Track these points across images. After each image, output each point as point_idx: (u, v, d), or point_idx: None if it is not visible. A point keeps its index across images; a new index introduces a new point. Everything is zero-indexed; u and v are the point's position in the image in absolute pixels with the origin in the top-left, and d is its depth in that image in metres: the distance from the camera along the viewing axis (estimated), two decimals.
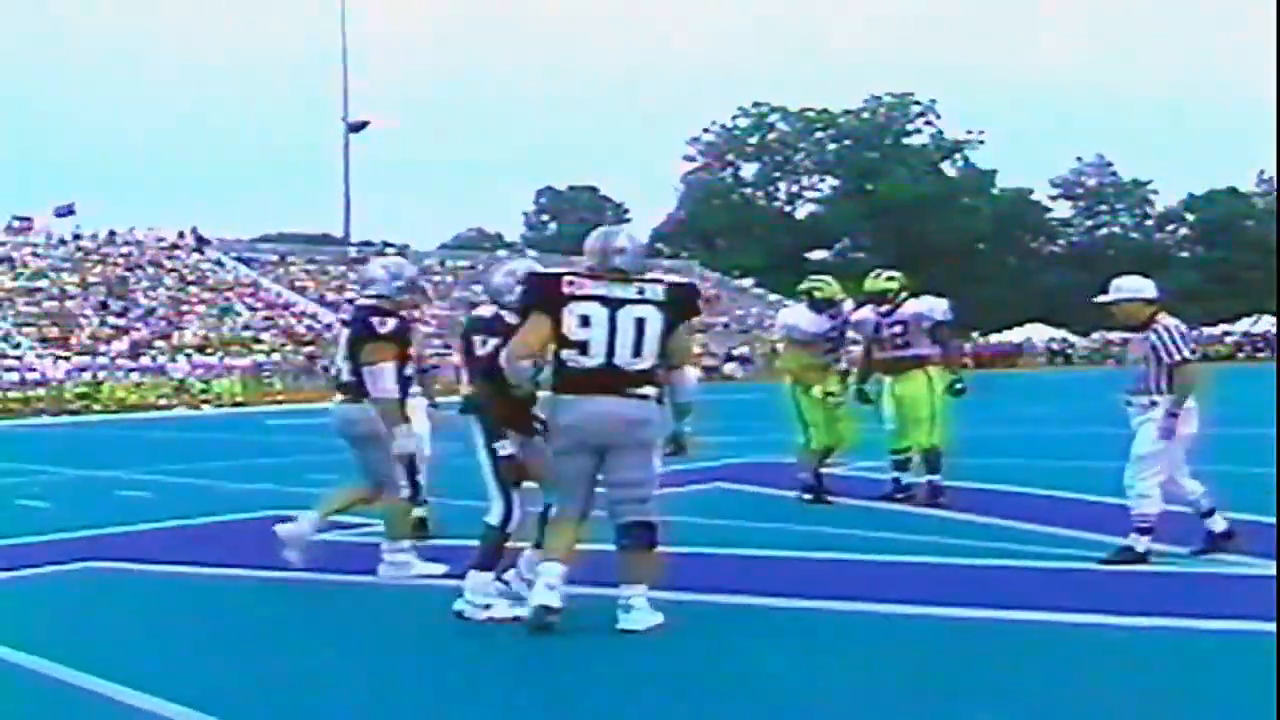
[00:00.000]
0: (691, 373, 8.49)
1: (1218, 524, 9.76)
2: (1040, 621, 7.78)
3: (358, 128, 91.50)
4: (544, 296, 7.94)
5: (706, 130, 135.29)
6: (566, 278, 8.04)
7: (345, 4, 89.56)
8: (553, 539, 8.10)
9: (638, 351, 7.93)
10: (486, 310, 8.85)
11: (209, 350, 63.37)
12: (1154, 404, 9.57)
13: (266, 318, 71.43)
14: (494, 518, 8.51)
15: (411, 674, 7.21)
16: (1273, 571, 8.83)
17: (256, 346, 65.25)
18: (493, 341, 8.47)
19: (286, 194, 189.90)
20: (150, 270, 75.84)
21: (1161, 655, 7.05)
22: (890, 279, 14.71)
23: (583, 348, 7.87)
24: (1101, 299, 10.01)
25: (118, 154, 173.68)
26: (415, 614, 8.85)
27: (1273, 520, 10.45)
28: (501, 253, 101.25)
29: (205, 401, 52.96)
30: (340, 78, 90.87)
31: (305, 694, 6.82)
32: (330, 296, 76.83)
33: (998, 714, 6.09)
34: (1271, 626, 7.21)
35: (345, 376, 10.11)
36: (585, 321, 7.88)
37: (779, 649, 7.37)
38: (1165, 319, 9.72)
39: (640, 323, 7.94)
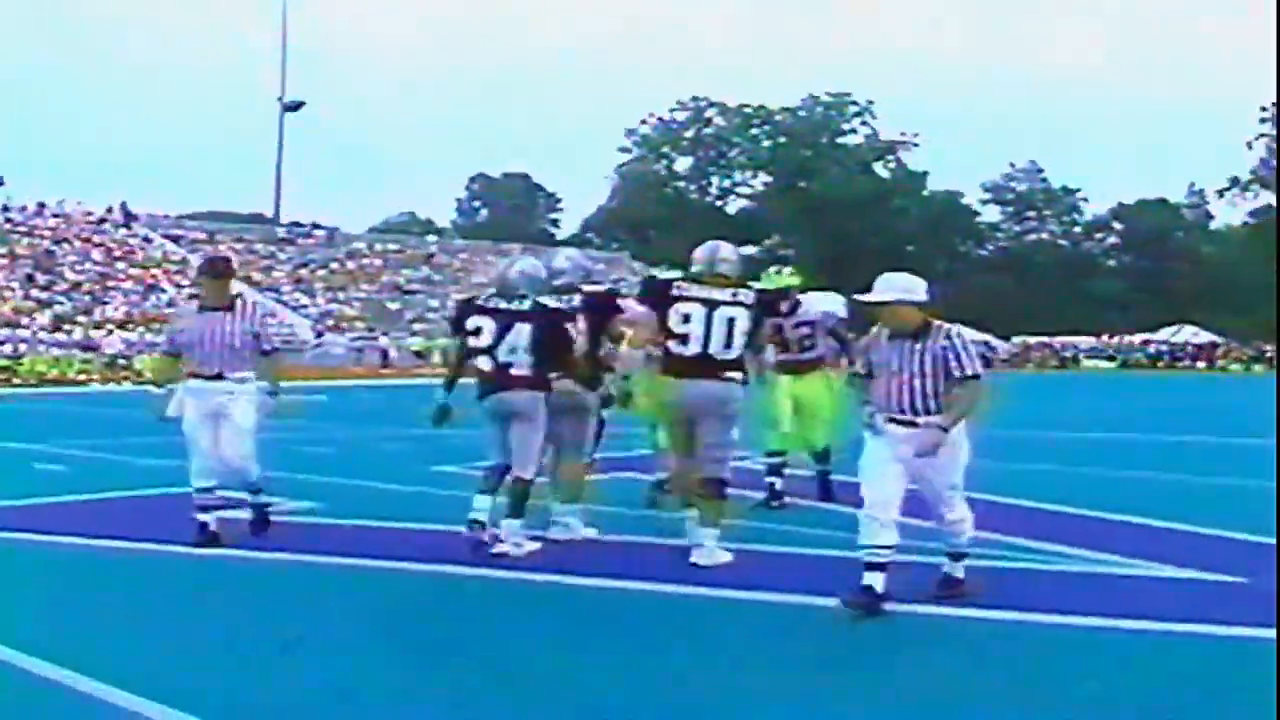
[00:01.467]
0: (769, 356, 11.52)
1: (958, 570, 8.69)
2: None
3: (293, 108, 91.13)
4: (656, 296, 10.00)
5: (643, 122, 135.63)
6: (675, 283, 10.13)
7: None
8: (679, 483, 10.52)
9: (728, 344, 9.82)
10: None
11: (131, 326, 62.99)
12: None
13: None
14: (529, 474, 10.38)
15: (315, 650, 7.32)
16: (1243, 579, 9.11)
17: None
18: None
19: (219, 172, 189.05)
20: (77, 244, 75.32)
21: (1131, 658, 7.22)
22: (793, 275, 14.39)
23: (683, 339, 9.85)
24: (869, 298, 8.65)
25: (49, 126, 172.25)
26: (309, 590, 9.00)
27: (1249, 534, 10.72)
28: (430, 238, 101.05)
29: (125, 377, 52.63)
30: (279, 56, 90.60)
31: (200, 664, 6.92)
32: (257, 276, 76.48)
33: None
34: (1270, 634, 7.41)
35: (526, 368, 10.38)
36: (686, 319, 9.88)
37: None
38: (952, 326, 8.52)
39: (731, 321, 9.86)
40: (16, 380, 51.29)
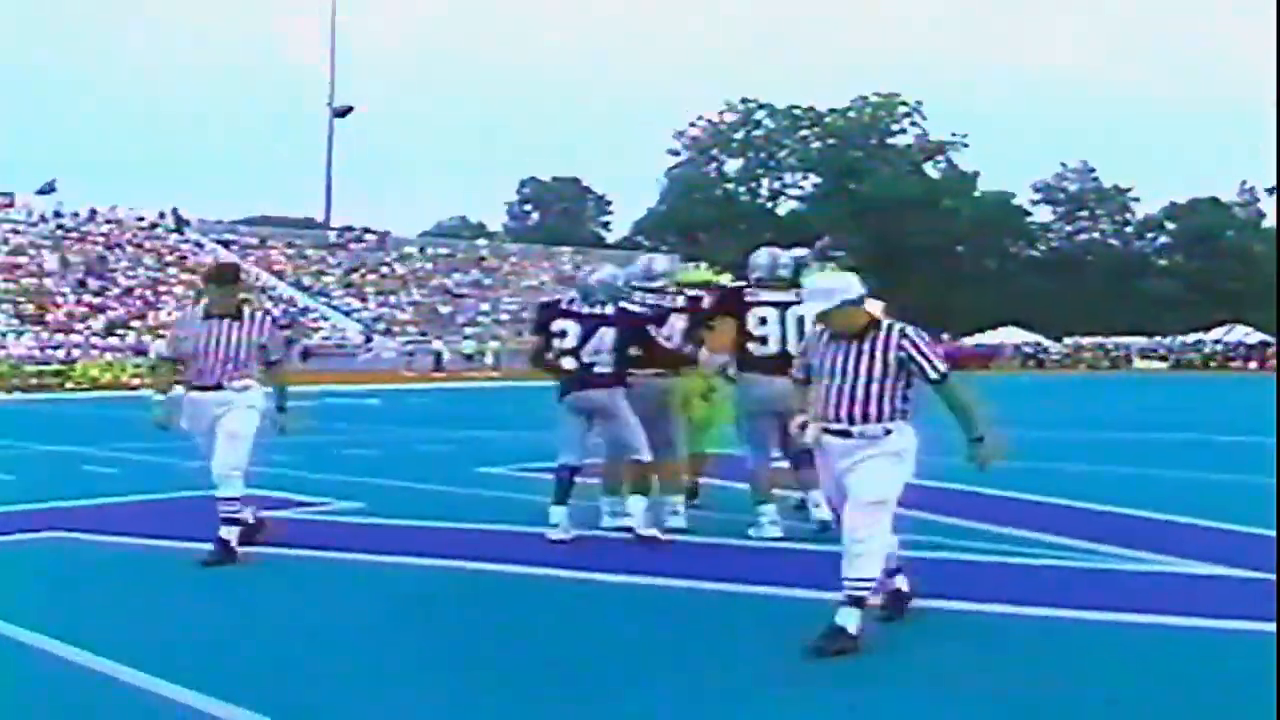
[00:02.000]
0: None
1: (902, 583, 7.94)
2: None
3: (342, 112, 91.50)
4: (732, 305, 10.75)
5: (692, 125, 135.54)
6: (746, 289, 11.26)
7: None
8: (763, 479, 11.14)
9: (800, 341, 9.34)
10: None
11: None
12: (888, 433, 7.43)
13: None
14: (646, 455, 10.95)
15: (363, 645, 7.41)
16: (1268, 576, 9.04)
17: None
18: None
19: (269, 177, 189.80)
20: (129, 250, 75.80)
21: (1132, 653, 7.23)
22: (718, 271, 14.66)
23: (763, 340, 10.96)
24: (815, 308, 7.65)
25: (101, 132, 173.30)
26: (356, 585, 9.08)
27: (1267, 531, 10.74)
28: (481, 242, 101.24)
29: (177, 382, 52.90)
30: (328, 62, 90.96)
31: (250, 659, 7.02)
32: (308, 281, 76.89)
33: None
34: (1270, 627, 7.39)
35: (608, 367, 10.88)
36: (763, 321, 11.02)
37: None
38: (904, 325, 7.61)
39: (800, 320, 10.22)
40: (70, 384, 51.70)
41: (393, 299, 78.19)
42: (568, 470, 10.83)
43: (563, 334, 10.92)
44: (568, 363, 10.84)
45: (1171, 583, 9.04)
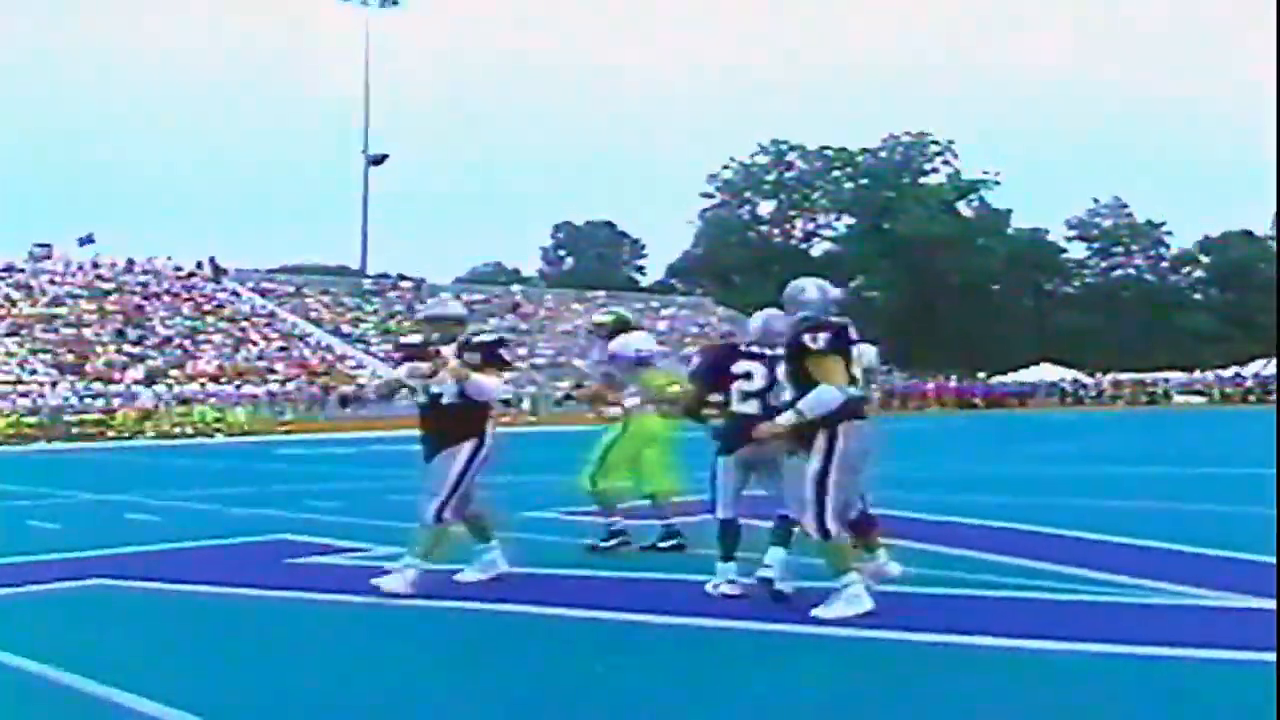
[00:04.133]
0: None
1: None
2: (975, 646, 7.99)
3: (377, 161, 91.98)
4: (843, 341, 9.24)
5: (725, 167, 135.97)
6: (849, 326, 9.51)
7: (369, 39, 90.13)
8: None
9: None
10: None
11: (223, 379, 63.70)
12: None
13: (282, 348, 71.67)
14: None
15: (406, 691, 7.43)
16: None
17: (271, 376, 65.54)
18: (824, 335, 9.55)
19: (305, 226, 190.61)
20: (167, 299, 76.22)
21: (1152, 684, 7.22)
22: (609, 314, 14.44)
23: (853, 380, 9.36)
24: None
25: (137, 183, 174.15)
26: (410, 635, 9.08)
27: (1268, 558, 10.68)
28: (516, 287, 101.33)
29: (217, 430, 53.22)
30: (361, 111, 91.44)
31: (294, 704, 7.05)
32: (345, 328, 77.17)
33: None
34: (1270, 657, 7.35)
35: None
36: (850, 362, 9.45)
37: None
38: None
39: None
40: (110, 433, 52.00)
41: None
42: (735, 525, 10.15)
43: (748, 375, 10.19)
44: (749, 406, 9.99)
45: (1220, 618, 9.00)
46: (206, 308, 76.36)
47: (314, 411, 58.21)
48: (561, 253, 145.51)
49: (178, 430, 54.07)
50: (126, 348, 67.42)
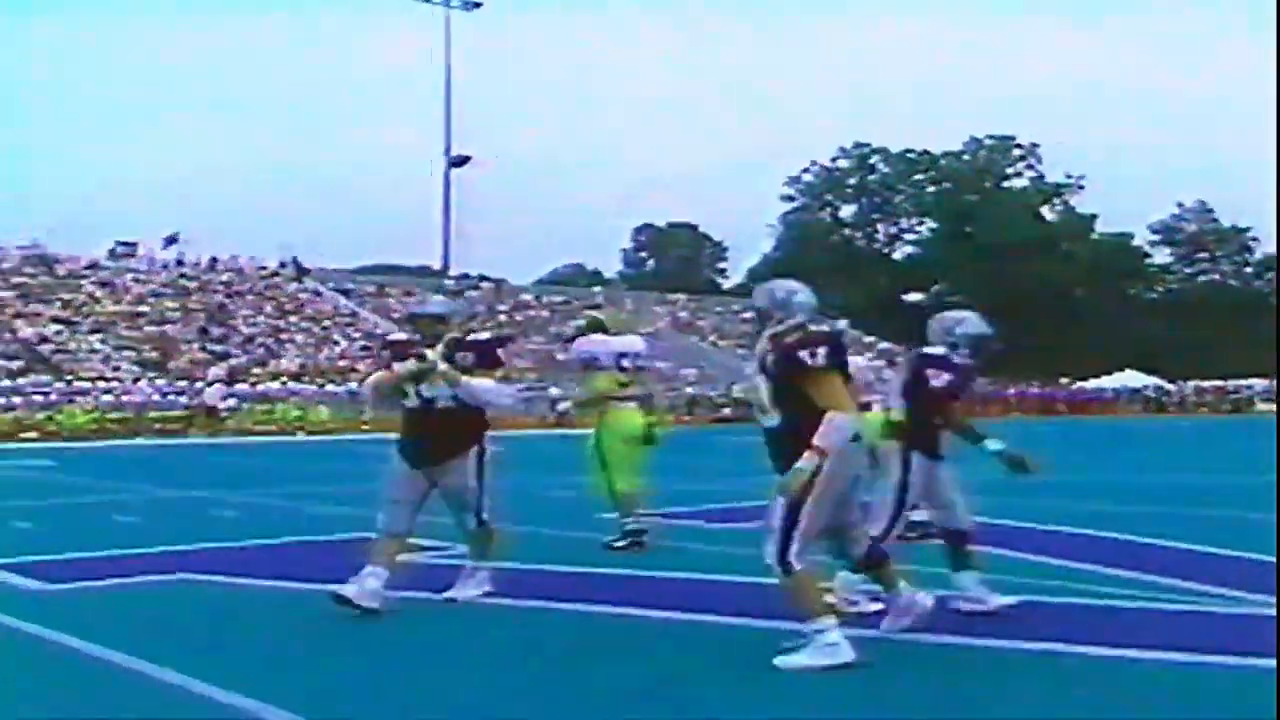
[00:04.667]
0: None
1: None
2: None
3: (459, 162, 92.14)
4: (842, 355, 7.89)
5: (806, 170, 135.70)
6: (844, 335, 9.02)
7: (450, 40, 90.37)
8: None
9: None
10: (937, 349, 9.36)
11: (305, 378, 64.07)
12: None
13: (364, 347, 71.98)
14: (877, 530, 8.85)
15: (468, 684, 7.43)
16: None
17: (353, 375, 65.89)
18: (946, 376, 9.13)
19: (388, 226, 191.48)
20: (250, 298, 76.75)
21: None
22: (587, 318, 15.01)
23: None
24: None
25: (222, 184, 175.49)
26: (479, 631, 9.09)
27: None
28: (596, 289, 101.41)
29: (299, 428, 53.52)
30: (443, 112, 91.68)
31: (373, 698, 7.07)
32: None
33: None
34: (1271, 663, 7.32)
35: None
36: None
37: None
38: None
39: None
40: (192, 429, 52.39)
41: (510, 346, 78.47)
42: (966, 536, 9.39)
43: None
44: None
45: None
46: (289, 307, 76.81)
47: (396, 411, 58.35)
48: (643, 255, 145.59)
49: (259, 428, 54.46)
50: (209, 345, 67.91)
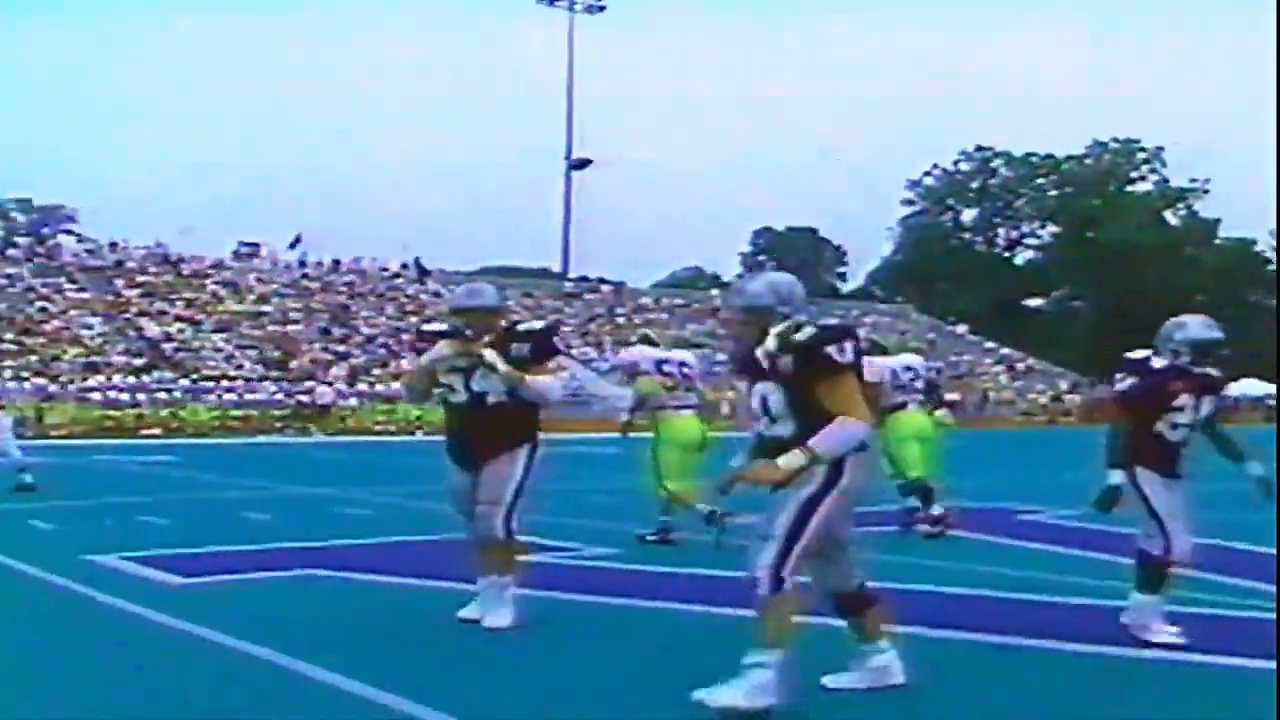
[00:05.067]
0: None
1: None
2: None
3: (580, 165, 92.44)
4: (860, 355, 7.07)
5: (927, 174, 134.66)
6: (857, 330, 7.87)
7: (573, 44, 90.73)
8: None
9: None
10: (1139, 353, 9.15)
11: None
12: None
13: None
14: (1155, 548, 8.54)
15: (618, 687, 7.43)
16: None
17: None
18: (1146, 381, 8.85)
19: (508, 228, 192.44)
20: (372, 299, 77.34)
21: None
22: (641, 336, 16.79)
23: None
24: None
25: (345, 188, 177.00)
26: (620, 633, 9.08)
27: None
28: (715, 292, 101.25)
29: (418, 428, 53.86)
30: (565, 114, 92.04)
31: (495, 686, 7.11)
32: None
33: None
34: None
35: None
36: None
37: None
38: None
39: None
40: (314, 429, 52.88)
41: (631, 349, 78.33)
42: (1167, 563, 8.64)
43: (1181, 406, 8.78)
44: (1178, 435, 8.77)
45: None
46: (410, 308, 77.26)
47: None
48: (762, 258, 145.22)
49: (379, 427, 54.90)
50: (331, 345, 68.52)
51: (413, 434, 51.91)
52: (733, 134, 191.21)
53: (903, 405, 15.68)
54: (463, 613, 9.16)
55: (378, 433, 53.47)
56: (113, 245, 78.12)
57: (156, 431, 50.29)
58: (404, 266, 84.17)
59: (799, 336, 6.75)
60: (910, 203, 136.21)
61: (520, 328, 9.42)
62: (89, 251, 78.80)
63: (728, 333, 6.75)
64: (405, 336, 71.16)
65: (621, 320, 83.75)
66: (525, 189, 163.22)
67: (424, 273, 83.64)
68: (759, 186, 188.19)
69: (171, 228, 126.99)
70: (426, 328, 10.62)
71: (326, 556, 12.65)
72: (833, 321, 7.07)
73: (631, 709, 6.90)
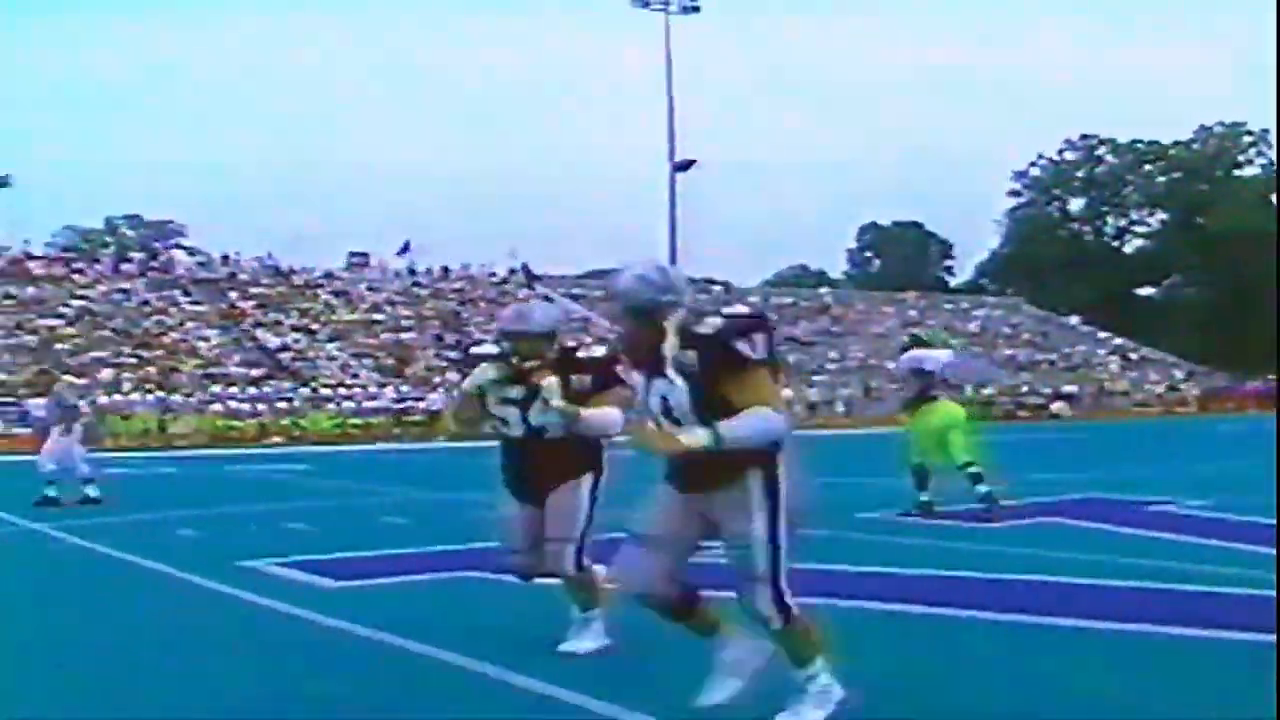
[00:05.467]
0: None
1: None
2: None
3: (683, 167, 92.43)
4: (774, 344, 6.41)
5: (1033, 165, 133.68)
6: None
7: (670, 45, 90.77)
8: None
9: None
10: None
11: None
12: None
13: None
14: None
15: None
16: None
17: None
18: None
19: (613, 230, 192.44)
20: (483, 305, 77.76)
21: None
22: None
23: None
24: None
25: (453, 197, 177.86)
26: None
27: None
28: (824, 290, 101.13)
29: None
30: (666, 116, 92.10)
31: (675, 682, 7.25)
32: None
33: None
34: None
35: None
36: None
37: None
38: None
39: None
40: (434, 434, 53.22)
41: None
42: None
43: None
44: None
45: None
46: None
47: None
48: (868, 254, 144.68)
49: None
50: (444, 352, 68.99)
51: None
52: (834, 130, 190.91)
53: (934, 397, 16.69)
54: (562, 647, 8.31)
55: (490, 437, 53.67)
56: (224, 258, 79.17)
57: (279, 440, 50.86)
58: (512, 272, 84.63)
59: (702, 330, 6.14)
60: (1016, 194, 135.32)
61: (581, 355, 8.52)
62: (201, 264, 79.95)
63: (621, 334, 6.47)
64: None
65: None
66: (630, 191, 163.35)
67: (533, 278, 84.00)
68: (864, 181, 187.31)
69: (277, 239, 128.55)
70: (475, 350, 9.13)
71: (476, 559, 12.78)
72: (742, 309, 6.36)
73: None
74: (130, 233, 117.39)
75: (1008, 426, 53.96)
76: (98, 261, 78.91)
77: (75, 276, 73.53)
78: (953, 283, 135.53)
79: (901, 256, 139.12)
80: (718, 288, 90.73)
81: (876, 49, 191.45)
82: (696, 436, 5.93)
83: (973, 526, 14.92)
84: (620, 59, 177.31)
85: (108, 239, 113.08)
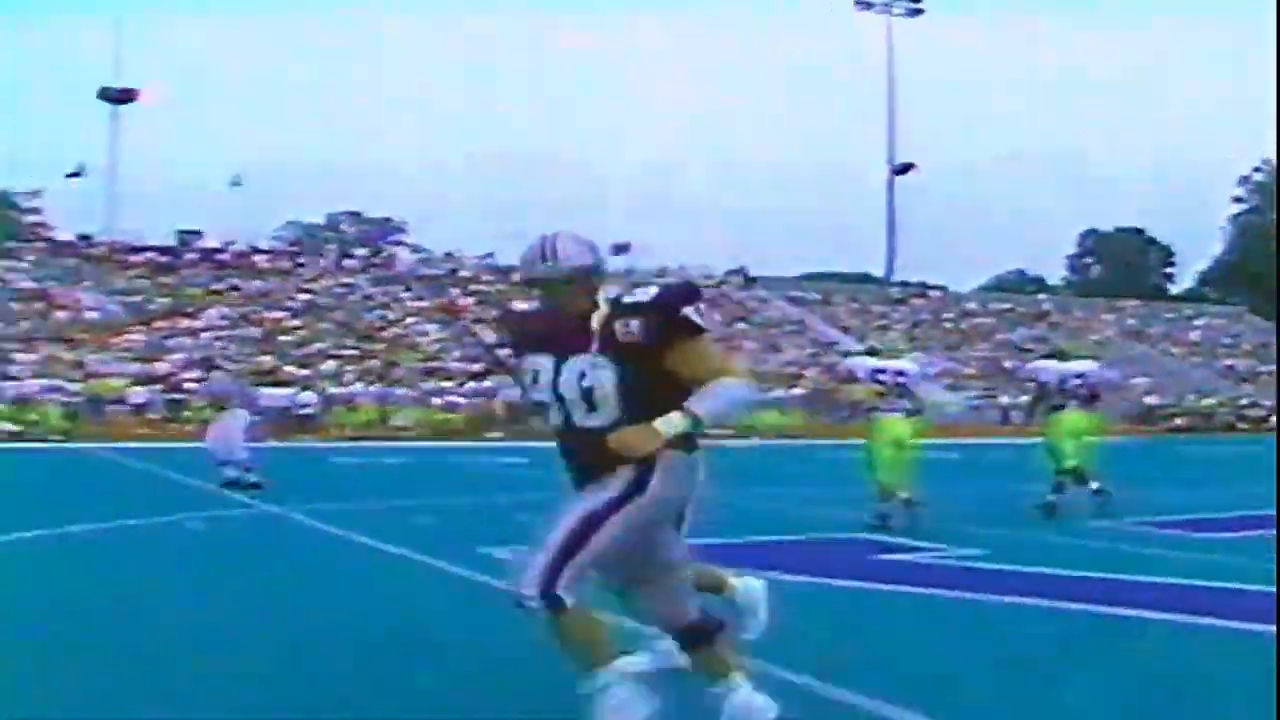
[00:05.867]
0: None
1: None
2: None
3: (902, 170, 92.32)
4: None
5: (1257, 170, 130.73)
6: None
7: (893, 47, 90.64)
8: None
9: None
10: None
11: (764, 388, 65.01)
12: None
13: (812, 354, 72.40)
14: None
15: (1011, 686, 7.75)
16: None
17: (801, 382, 66.34)
18: None
19: (829, 233, 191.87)
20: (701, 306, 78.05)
21: None
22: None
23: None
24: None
25: (677, 199, 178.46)
26: (1007, 630, 9.42)
27: None
28: (1042, 296, 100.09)
29: (750, 430, 54.30)
30: (886, 119, 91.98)
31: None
32: (873, 337, 77.71)
33: None
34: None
35: None
36: None
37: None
38: None
39: None
40: None
41: (957, 353, 78.01)
42: None
43: None
44: None
45: None
46: (737, 314, 77.91)
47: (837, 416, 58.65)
48: (1087, 260, 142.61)
49: (712, 431, 55.07)
50: None
51: (746, 438, 52.45)
52: (1053, 134, 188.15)
53: (1062, 406, 17.92)
54: None
55: (711, 437, 53.86)
56: (447, 254, 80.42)
57: (499, 434, 51.56)
58: (729, 273, 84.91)
59: (644, 298, 5.72)
60: (1240, 200, 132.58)
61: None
62: (423, 261, 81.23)
63: (547, 306, 5.50)
64: (733, 342, 71.85)
65: (949, 325, 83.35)
66: (848, 193, 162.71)
67: (750, 280, 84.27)
68: (1085, 185, 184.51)
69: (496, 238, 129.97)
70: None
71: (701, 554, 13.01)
72: (671, 280, 5.60)
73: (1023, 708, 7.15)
74: (350, 229, 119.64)
75: (1226, 440, 53.15)
76: (322, 256, 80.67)
77: (300, 270, 75.27)
78: (1173, 290, 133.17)
79: (1122, 263, 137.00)
80: (936, 292, 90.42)
81: (1097, 51, 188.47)
82: (673, 424, 5.55)
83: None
84: (841, 59, 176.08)
85: (329, 234, 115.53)
